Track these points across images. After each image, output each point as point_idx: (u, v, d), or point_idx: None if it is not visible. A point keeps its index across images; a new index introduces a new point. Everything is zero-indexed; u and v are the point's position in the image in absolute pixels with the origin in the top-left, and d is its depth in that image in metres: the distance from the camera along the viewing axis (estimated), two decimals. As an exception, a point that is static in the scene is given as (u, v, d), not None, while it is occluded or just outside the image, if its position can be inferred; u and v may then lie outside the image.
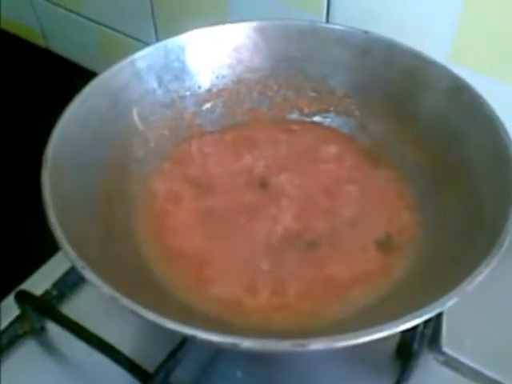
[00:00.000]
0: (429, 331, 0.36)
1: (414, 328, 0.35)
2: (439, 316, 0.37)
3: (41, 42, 0.73)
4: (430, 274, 0.31)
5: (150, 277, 0.32)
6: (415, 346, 0.35)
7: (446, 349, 0.37)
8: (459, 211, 0.32)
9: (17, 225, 0.47)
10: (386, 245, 0.34)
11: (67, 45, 0.70)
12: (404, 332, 0.35)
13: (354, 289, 0.32)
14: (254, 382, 0.36)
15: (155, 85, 0.39)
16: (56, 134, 0.32)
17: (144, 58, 0.38)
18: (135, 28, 0.61)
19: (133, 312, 0.25)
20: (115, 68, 0.37)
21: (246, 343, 0.23)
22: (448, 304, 0.25)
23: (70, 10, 0.66)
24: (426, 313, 0.25)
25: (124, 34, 0.63)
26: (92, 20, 0.65)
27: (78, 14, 0.65)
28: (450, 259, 0.30)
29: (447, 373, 0.36)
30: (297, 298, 0.31)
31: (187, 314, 0.30)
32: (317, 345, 0.24)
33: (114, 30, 0.64)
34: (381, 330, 0.24)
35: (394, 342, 0.36)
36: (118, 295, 0.25)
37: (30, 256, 0.44)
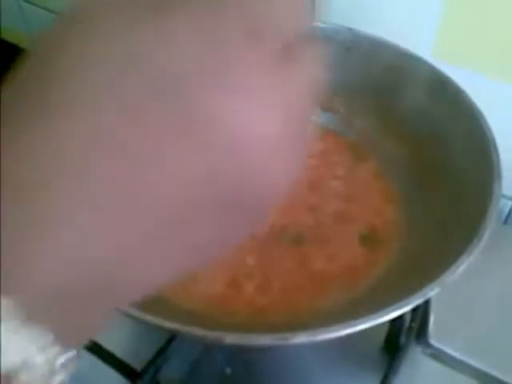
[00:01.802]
0: (416, 324, 0.36)
1: (402, 321, 0.35)
2: (426, 309, 0.37)
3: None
4: (413, 266, 0.31)
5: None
6: (403, 339, 0.35)
7: (433, 341, 0.37)
8: (442, 204, 0.33)
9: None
10: (370, 239, 0.34)
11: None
12: (391, 325, 0.36)
13: (339, 283, 0.32)
14: (243, 378, 0.36)
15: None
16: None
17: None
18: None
19: (117, 310, 0.25)
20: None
21: (229, 338, 0.24)
22: (429, 295, 0.25)
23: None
24: (406, 304, 0.25)
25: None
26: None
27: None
28: (432, 252, 0.30)
29: (434, 365, 0.37)
30: (282, 293, 0.32)
31: (173, 311, 0.30)
32: (299, 338, 0.24)
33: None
34: (363, 323, 0.24)
35: (382, 335, 0.37)
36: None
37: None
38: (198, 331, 0.24)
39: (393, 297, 0.26)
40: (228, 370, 0.36)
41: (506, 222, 0.47)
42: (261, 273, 0.33)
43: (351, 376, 0.36)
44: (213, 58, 0.12)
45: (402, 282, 0.30)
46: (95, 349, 0.33)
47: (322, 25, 0.41)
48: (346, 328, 0.24)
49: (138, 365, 0.33)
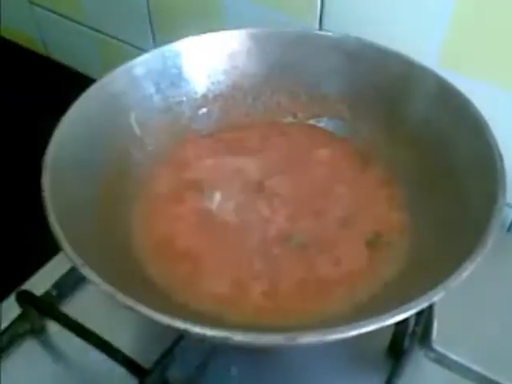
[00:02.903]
0: (420, 329, 0.37)
1: (406, 325, 0.36)
2: (430, 313, 0.38)
3: (41, 50, 0.74)
4: (418, 271, 0.32)
5: (146, 276, 0.33)
6: (406, 343, 0.36)
7: (436, 346, 0.37)
8: (446, 210, 0.33)
9: (18, 226, 0.48)
10: (375, 244, 0.35)
11: (67, 52, 0.72)
12: (396, 329, 0.36)
13: (344, 287, 0.33)
14: (249, 379, 0.37)
15: (152, 90, 0.40)
16: (56, 137, 0.33)
17: (142, 64, 0.39)
18: (134, 35, 0.63)
19: (130, 308, 0.26)
20: (113, 74, 0.38)
21: (238, 337, 0.24)
22: (433, 299, 0.26)
23: (70, 18, 0.67)
24: (411, 308, 0.26)
25: (123, 41, 0.64)
26: (91, 28, 0.66)
27: (78, 22, 0.67)
28: (437, 258, 0.31)
29: (437, 369, 0.37)
30: (288, 297, 0.32)
31: (182, 312, 0.31)
32: (308, 338, 0.25)
33: (112, 37, 0.65)
34: (369, 324, 0.25)
35: (386, 339, 0.37)
36: (115, 292, 0.26)
37: (31, 257, 0.45)
38: (207, 330, 0.25)
39: (398, 301, 0.26)
40: (234, 371, 0.36)
41: (509, 229, 0.48)
42: (267, 277, 0.33)
43: (355, 379, 0.37)
44: None
45: (408, 286, 0.30)
46: (104, 346, 0.34)
47: (330, 34, 0.42)
48: (352, 329, 0.25)
49: (146, 363, 0.33)
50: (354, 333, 0.25)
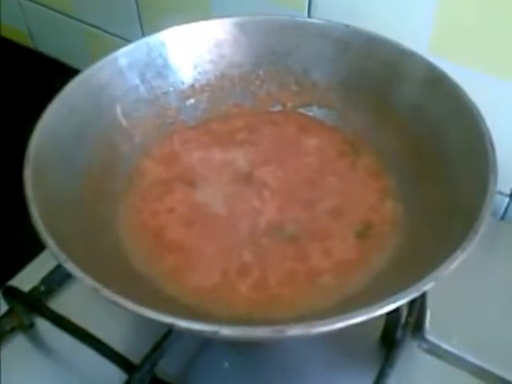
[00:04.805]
0: (412, 319, 0.36)
1: (398, 316, 0.35)
2: (422, 304, 0.38)
3: (29, 43, 0.73)
4: (410, 261, 0.31)
5: (133, 272, 0.33)
6: (399, 334, 0.36)
7: (429, 336, 0.37)
8: (438, 200, 0.33)
9: (5, 221, 0.48)
10: (366, 235, 0.34)
11: (55, 45, 0.71)
12: (388, 320, 0.36)
13: (335, 278, 0.32)
14: (241, 373, 0.36)
15: (138, 81, 0.40)
16: (39, 130, 0.32)
17: (126, 54, 0.39)
18: (122, 27, 0.62)
19: (114, 303, 0.25)
20: (98, 65, 0.37)
21: (226, 330, 0.24)
22: (422, 289, 0.25)
23: (57, 11, 0.66)
24: (399, 298, 0.25)
25: (111, 33, 0.63)
26: (79, 20, 0.65)
27: (65, 15, 0.66)
28: (428, 247, 0.31)
29: (430, 360, 0.37)
30: (278, 289, 0.32)
31: (170, 306, 0.30)
32: (295, 330, 0.24)
33: (100, 29, 0.64)
34: (357, 316, 0.24)
35: (378, 330, 0.37)
36: (99, 286, 0.25)
37: (18, 253, 0.45)
38: (194, 324, 0.24)
39: (388, 291, 0.26)
40: (226, 365, 0.36)
41: (502, 218, 0.47)
42: (257, 269, 0.33)
43: (348, 370, 0.36)
44: None
45: (399, 277, 0.30)
46: (93, 342, 0.34)
47: (319, 21, 0.41)
48: (341, 321, 0.24)
49: (135, 358, 0.33)
50: (342, 324, 0.24)
